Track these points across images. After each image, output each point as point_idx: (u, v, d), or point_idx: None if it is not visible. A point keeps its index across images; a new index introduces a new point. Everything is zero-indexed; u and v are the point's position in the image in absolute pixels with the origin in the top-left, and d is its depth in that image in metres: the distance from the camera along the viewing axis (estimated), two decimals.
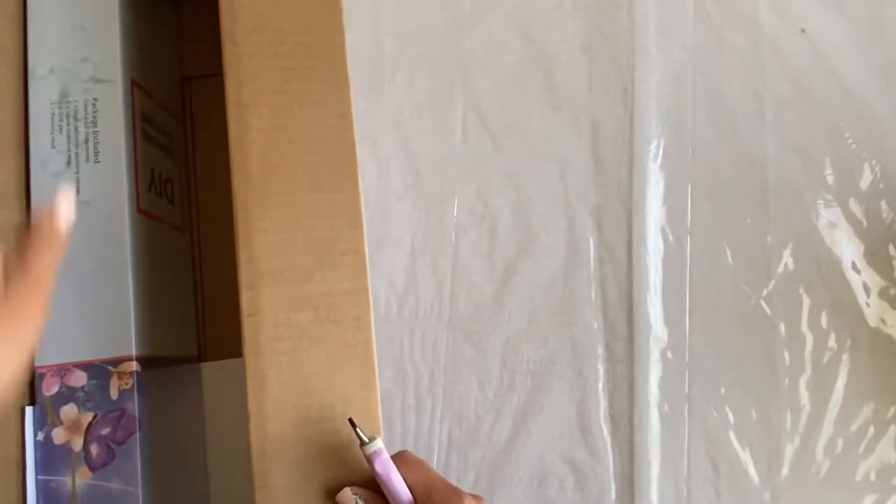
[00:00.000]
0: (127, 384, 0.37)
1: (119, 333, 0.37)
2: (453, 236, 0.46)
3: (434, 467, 0.42)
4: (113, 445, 0.36)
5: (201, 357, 0.47)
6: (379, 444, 0.31)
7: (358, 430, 0.32)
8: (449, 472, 0.42)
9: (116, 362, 0.37)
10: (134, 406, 0.36)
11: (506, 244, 0.45)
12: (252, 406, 0.33)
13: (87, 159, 0.38)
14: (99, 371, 0.37)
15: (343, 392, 0.35)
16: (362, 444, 0.32)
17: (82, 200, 0.38)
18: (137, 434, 0.36)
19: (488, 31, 0.48)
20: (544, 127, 0.47)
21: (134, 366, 0.37)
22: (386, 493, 0.31)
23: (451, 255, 0.45)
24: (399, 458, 0.33)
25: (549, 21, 0.48)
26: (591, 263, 0.45)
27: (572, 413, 0.43)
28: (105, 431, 0.36)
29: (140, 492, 0.36)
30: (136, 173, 0.40)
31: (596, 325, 0.44)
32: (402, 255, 0.45)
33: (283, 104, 0.36)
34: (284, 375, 0.34)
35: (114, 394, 0.36)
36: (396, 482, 0.31)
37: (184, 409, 0.44)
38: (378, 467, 0.31)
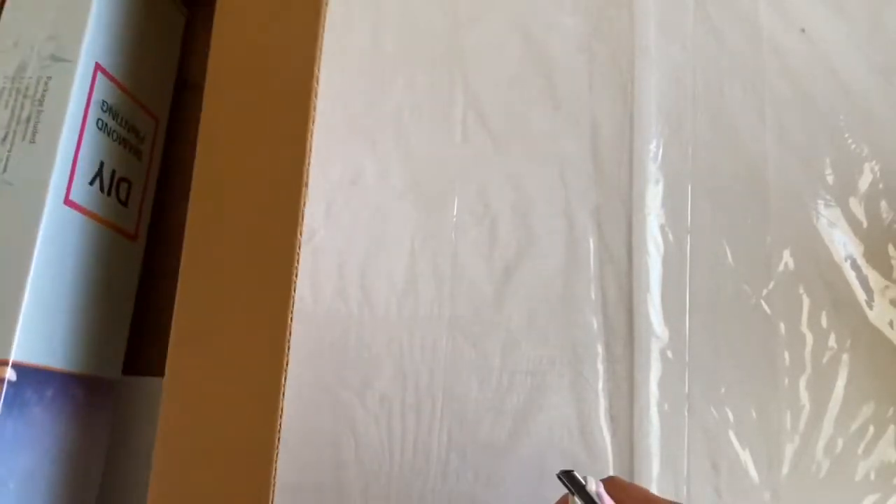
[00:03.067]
0: None
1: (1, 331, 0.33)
2: (453, 236, 0.46)
3: (436, 465, 0.42)
4: None
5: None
6: (592, 485, 0.31)
7: (564, 481, 0.31)
8: (448, 472, 0.42)
9: None
10: None
11: (506, 244, 0.45)
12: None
13: (24, 138, 0.36)
14: None
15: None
16: (578, 491, 0.30)
17: (6, 181, 0.36)
18: None
19: (488, 31, 0.48)
20: (544, 127, 0.47)
21: (7, 372, 0.33)
22: None
23: (451, 255, 0.45)
24: (611, 484, 0.32)
25: (549, 21, 0.48)
26: (591, 263, 0.45)
27: (572, 413, 0.43)
28: None
29: None
30: (75, 162, 0.37)
31: (596, 324, 0.44)
32: (402, 255, 0.45)
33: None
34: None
35: None
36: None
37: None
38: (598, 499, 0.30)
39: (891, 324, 0.45)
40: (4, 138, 0.36)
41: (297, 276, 0.34)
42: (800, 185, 0.47)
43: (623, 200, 0.46)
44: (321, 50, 0.38)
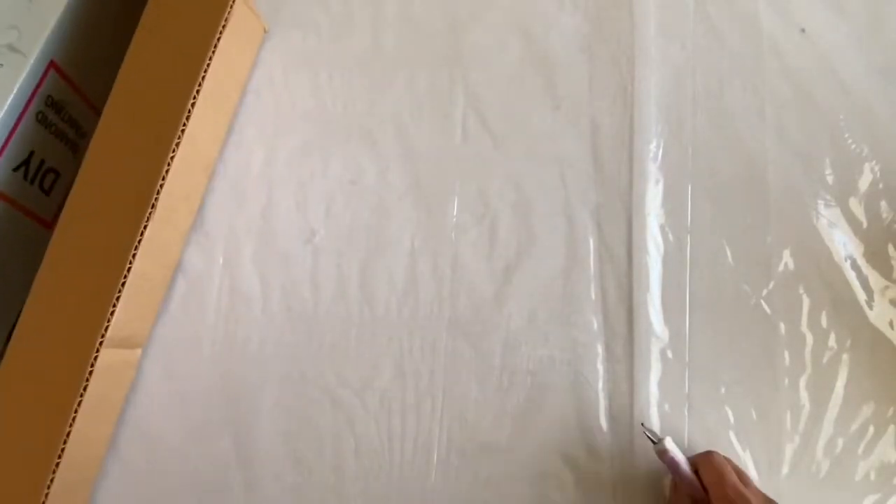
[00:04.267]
0: None
1: None
2: (453, 236, 0.46)
3: (436, 465, 0.42)
4: None
5: None
6: (665, 443, 0.40)
7: (647, 433, 0.41)
8: (448, 472, 0.42)
9: None
10: None
11: (506, 244, 0.45)
12: None
13: None
14: None
15: None
16: (654, 443, 0.41)
17: None
18: None
19: (488, 31, 0.48)
20: (544, 127, 0.47)
21: None
22: (678, 479, 0.40)
23: (451, 255, 0.45)
24: (701, 456, 0.39)
25: (549, 21, 0.48)
26: (591, 263, 0.45)
27: (572, 413, 0.43)
28: None
29: None
30: (3, 148, 0.39)
31: (596, 324, 0.44)
32: (402, 255, 0.45)
33: None
34: None
35: None
36: (684, 470, 0.39)
37: None
38: (667, 459, 0.39)
39: (891, 324, 0.45)
40: None
41: (116, 300, 0.37)
42: (800, 185, 0.47)
43: (623, 200, 0.46)
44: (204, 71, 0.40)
